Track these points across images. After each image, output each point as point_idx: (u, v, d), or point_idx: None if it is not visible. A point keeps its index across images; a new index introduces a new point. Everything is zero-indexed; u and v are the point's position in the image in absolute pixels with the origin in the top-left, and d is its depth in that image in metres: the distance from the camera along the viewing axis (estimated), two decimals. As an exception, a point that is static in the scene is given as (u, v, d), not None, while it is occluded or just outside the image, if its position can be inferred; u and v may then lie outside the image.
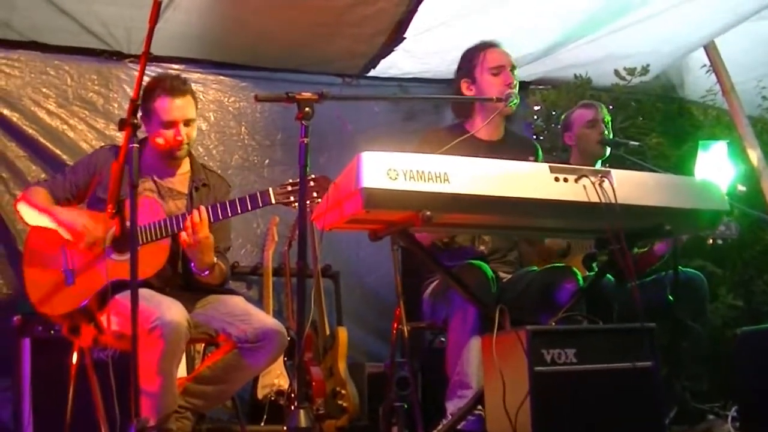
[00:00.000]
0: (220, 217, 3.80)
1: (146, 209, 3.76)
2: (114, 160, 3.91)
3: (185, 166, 4.12)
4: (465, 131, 4.10)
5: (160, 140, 3.90)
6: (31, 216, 3.89)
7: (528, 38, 5.57)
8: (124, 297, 3.38)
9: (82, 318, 3.77)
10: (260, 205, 3.83)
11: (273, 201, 3.83)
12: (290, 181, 3.85)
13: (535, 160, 4.17)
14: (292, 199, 3.82)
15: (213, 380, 3.79)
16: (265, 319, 3.84)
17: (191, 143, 4.02)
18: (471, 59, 4.19)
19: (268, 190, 3.84)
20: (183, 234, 3.71)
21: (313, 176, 3.74)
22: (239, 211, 3.81)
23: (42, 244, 3.86)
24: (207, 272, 3.85)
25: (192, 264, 3.84)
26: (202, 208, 3.75)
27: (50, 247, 3.83)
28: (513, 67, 4.14)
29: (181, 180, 4.08)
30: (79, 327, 3.79)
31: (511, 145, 4.18)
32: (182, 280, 3.96)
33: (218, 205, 3.81)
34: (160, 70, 4.99)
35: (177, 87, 3.91)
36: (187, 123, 3.94)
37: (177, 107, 3.89)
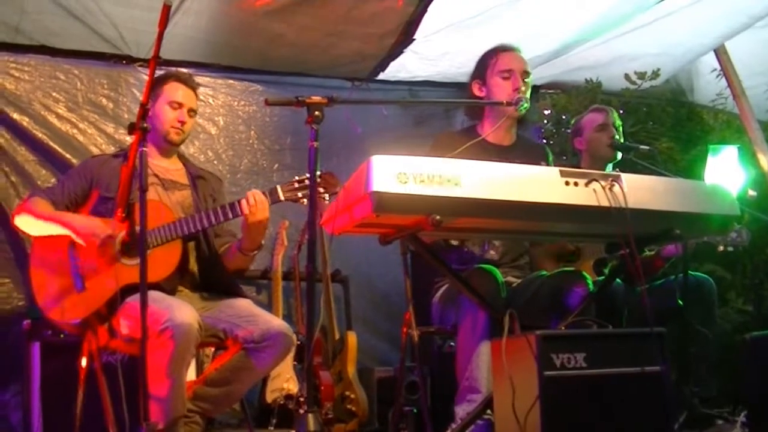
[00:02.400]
0: (231, 217, 3.86)
1: (153, 212, 3.77)
2: (109, 163, 4.02)
3: (177, 162, 4.20)
4: (477, 135, 4.10)
5: (162, 117, 4.02)
6: (36, 226, 3.89)
7: (538, 40, 5.56)
8: (134, 300, 3.39)
9: (96, 322, 3.76)
10: (270, 202, 3.87)
11: (282, 198, 3.87)
12: (296, 177, 3.89)
13: (546, 166, 4.16)
14: (299, 195, 3.87)
15: (220, 383, 3.79)
16: (270, 320, 3.85)
17: (187, 135, 4.15)
18: (484, 60, 4.19)
19: (276, 188, 3.90)
20: (246, 211, 3.81)
21: (318, 173, 3.77)
22: None
23: (48, 251, 3.85)
24: (255, 252, 3.97)
25: (240, 244, 3.95)
26: (256, 191, 3.84)
27: (57, 253, 3.82)
28: (526, 73, 4.13)
29: (178, 173, 4.15)
30: (96, 329, 3.78)
31: (522, 151, 4.16)
32: (194, 280, 3.99)
33: (227, 206, 3.85)
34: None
35: (189, 79, 4.17)
36: (191, 113, 4.11)
37: (186, 93, 4.10)
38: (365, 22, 5.36)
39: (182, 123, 4.05)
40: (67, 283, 3.77)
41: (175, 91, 4.05)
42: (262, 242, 3.98)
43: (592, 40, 5.81)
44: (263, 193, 3.85)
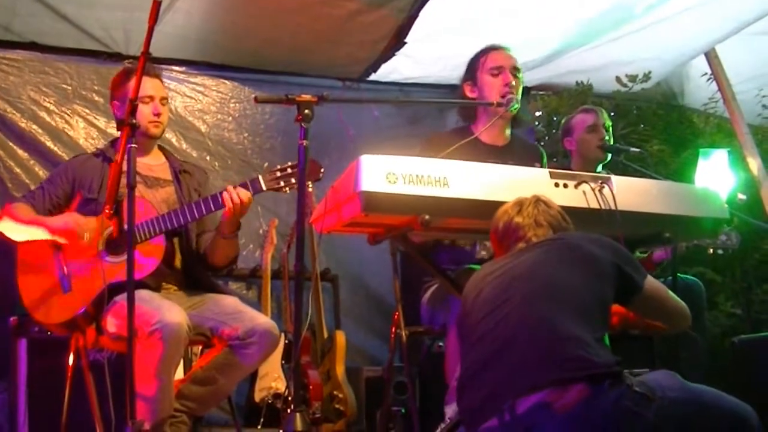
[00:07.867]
0: (213, 209, 3.80)
1: (136, 208, 3.75)
2: (90, 163, 4.00)
3: (160, 157, 4.15)
4: (470, 134, 4.07)
5: (137, 114, 3.89)
6: (17, 231, 3.84)
7: (530, 45, 5.55)
8: (123, 299, 3.37)
9: (84, 322, 3.73)
10: (251, 192, 3.80)
11: (264, 188, 3.82)
12: (279, 166, 3.85)
13: (541, 167, 4.14)
14: (282, 184, 3.82)
15: (206, 381, 3.75)
16: (256, 317, 3.81)
17: (165, 125, 4.07)
18: (475, 60, 4.17)
19: (257, 178, 3.83)
20: (229, 205, 3.71)
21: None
22: None
23: (34, 253, 3.82)
24: (235, 233, 3.88)
25: (220, 230, 3.85)
26: (240, 189, 3.74)
27: (42, 255, 3.79)
28: (516, 70, 4.11)
29: (162, 169, 4.10)
30: (84, 329, 3.76)
31: (517, 151, 4.14)
32: (179, 277, 3.97)
33: (210, 198, 3.80)
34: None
35: (151, 69, 3.97)
36: (163, 101, 4.02)
37: (154, 84, 3.98)
38: (359, 30, 5.38)
39: (158, 115, 3.98)
40: (54, 284, 3.74)
41: (142, 85, 3.95)
42: (239, 224, 3.90)
43: (585, 44, 5.81)
44: (246, 186, 3.77)
